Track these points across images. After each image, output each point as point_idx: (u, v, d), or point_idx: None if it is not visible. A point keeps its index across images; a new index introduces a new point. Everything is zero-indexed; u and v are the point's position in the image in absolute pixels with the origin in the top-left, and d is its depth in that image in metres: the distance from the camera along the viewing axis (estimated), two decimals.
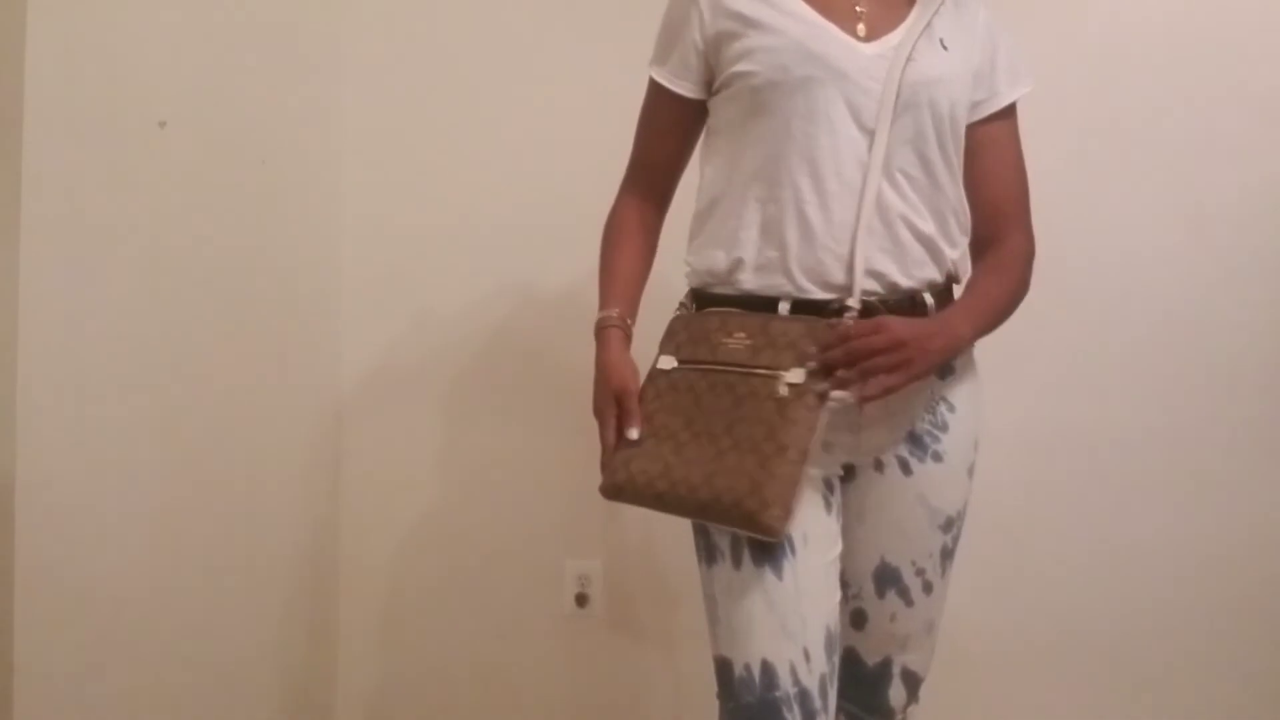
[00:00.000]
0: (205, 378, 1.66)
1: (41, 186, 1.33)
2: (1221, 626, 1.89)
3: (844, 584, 1.31)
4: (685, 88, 1.32)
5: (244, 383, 1.77)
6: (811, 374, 1.16)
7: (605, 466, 1.27)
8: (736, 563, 1.21)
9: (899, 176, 1.25)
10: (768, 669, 1.18)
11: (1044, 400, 1.90)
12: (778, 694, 1.17)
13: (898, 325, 1.19)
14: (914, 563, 1.33)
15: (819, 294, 1.23)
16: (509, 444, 2.05)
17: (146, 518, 1.54)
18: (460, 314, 2.06)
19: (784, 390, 1.17)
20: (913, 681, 1.39)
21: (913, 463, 1.31)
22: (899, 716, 1.40)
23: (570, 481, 2.03)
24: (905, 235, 1.25)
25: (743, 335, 1.22)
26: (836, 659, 1.24)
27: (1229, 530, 1.88)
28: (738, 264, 1.26)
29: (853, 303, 1.21)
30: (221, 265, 1.70)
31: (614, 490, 1.25)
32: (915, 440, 1.31)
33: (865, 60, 1.24)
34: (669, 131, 1.37)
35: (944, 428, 1.32)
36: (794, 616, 1.19)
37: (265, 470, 1.86)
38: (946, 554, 1.35)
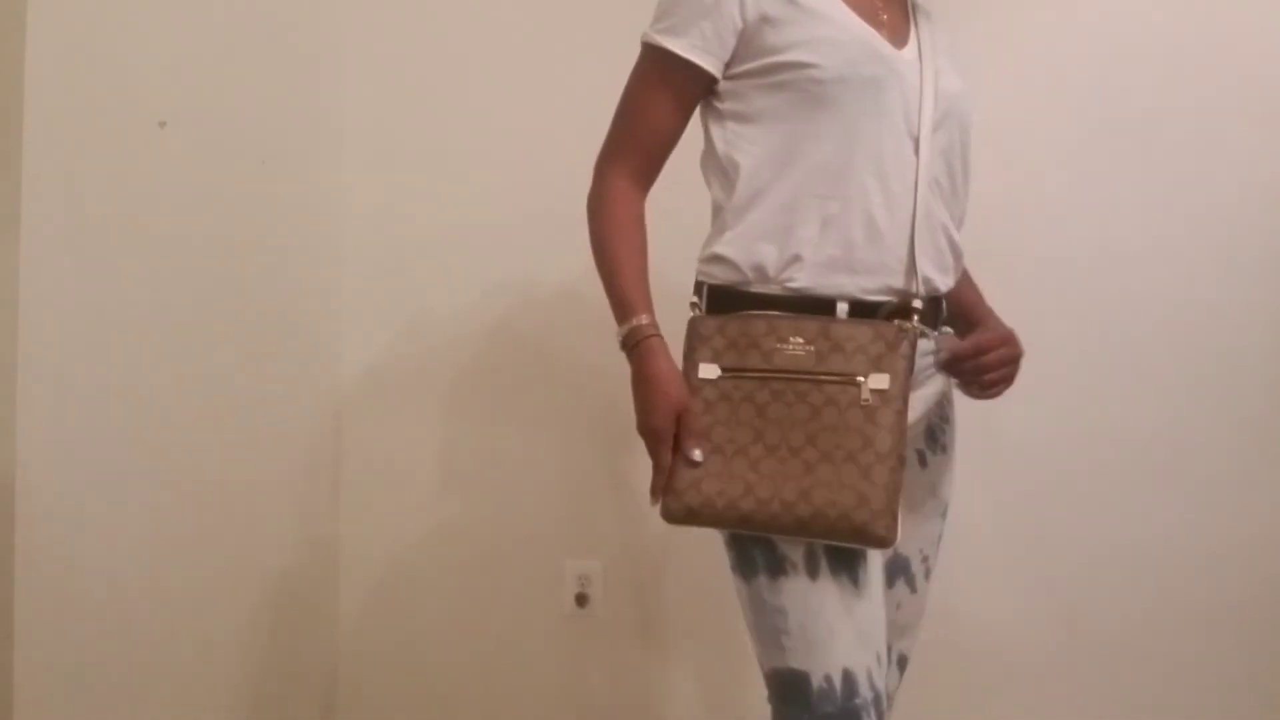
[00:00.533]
0: (205, 377, 1.66)
1: (41, 186, 1.33)
2: (1223, 626, 1.88)
3: None
4: (712, 64, 1.24)
5: (244, 382, 1.77)
6: (895, 378, 1.15)
7: (667, 490, 1.20)
8: (813, 573, 1.18)
9: (934, 184, 1.25)
10: (849, 678, 1.16)
11: (1044, 400, 1.90)
12: (858, 701, 1.16)
13: (1017, 340, 1.30)
14: (921, 550, 1.37)
15: (879, 296, 1.21)
16: (509, 444, 2.05)
17: (146, 518, 1.54)
18: (460, 314, 2.06)
19: (869, 397, 1.14)
20: (904, 665, 1.42)
21: (928, 455, 1.36)
22: (890, 701, 1.41)
23: (570, 481, 2.03)
24: (943, 242, 1.27)
25: (801, 340, 1.17)
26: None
27: (1230, 530, 1.88)
28: (793, 260, 1.21)
29: (918, 304, 1.21)
30: (221, 265, 1.70)
31: (687, 515, 1.19)
32: (930, 435, 1.36)
33: (908, 67, 1.23)
34: (680, 108, 1.28)
35: (947, 420, 1.38)
36: (869, 623, 1.19)
37: (265, 470, 1.85)
38: (941, 538, 1.41)
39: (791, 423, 1.16)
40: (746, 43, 1.23)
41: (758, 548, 1.20)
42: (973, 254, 1.39)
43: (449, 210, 2.06)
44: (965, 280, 1.40)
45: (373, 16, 2.08)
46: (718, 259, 1.25)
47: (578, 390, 2.01)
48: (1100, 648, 1.92)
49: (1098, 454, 1.91)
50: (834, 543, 1.16)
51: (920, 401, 1.29)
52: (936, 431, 1.37)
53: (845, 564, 1.18)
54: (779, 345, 1.18)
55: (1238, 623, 1.88)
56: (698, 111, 1.31)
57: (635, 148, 1.29)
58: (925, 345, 1.27)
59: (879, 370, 1.15)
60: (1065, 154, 1.90)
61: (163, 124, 1.55)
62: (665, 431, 1.19)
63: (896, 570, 1.35)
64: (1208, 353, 1.88)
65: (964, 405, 1.40)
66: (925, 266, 1.23)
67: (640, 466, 1.25)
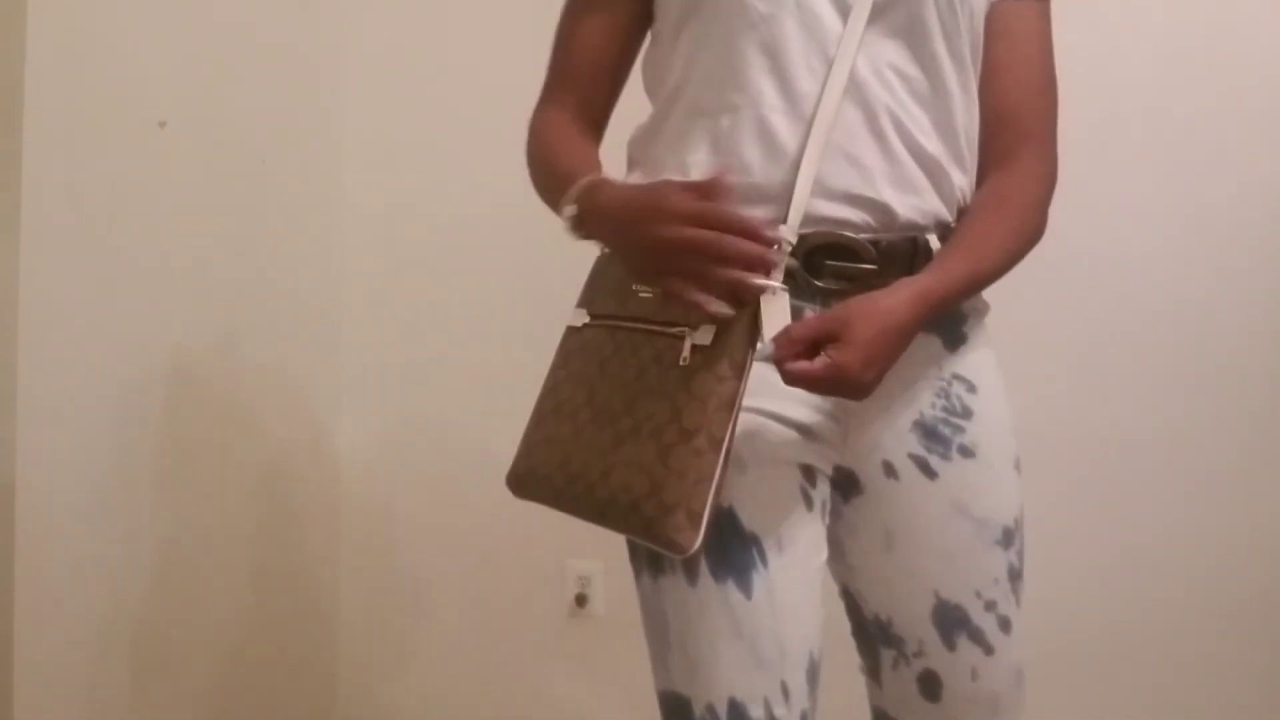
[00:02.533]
0: (205, 377, 1.67)
1: (42, 186, 1.33)
2: (1225, 627, 1.88)
3: (898, 640, 1.02)
4: None
5: (244, 381, 1.77)
6: (726, 333, 0.87)
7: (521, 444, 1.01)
8: (691, 576, 0.94)
9: (890, 75, 0.95)
10: (736, 709, 0.93)
11: (1044, 401, 1.89)
12: None
13: (852, 357, 0.86)
14: (979, 594, 1.00)
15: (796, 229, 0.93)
16: (510, 444, 2.05)
17: (146, 518, 1.54)
18: (460, 312, 2.06)
19: (688, 355, 0.88)
20: None
21: (934, 461, 1.00)
22: None
23: None
24: (900, 150, 0.96)
25: None
26: (819, 693, 0.99)
27: (1231, 531, 1.88)
28: None
29: (787, 233, 0.90)
30: (221, 264, 1.70)
31: (516, 484, 1.01)
32: (930, 433, 1.00)
33: None
34: (611, 28, 1.08)
35: (965, 414, 1.01)
36: (768, 642, 0.94)
37: (265, 469, 1.86)
38: (1015, 576, 1.03)
39: (620, 383, 0.93)
40: None
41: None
42: None
43: (448, 209, 2.06)
44: (980, 212, 1.03)
45: (372, 17, 2.08)
46: None
47: None
48: (1101, 648, 1.92)
49: (1097, 454, 1.91)
50: (636, 540, 0.95)
51: (898, 385, 0.97)
52: (941, 428, 1.00)
53: (730, 568, 0.93)
54: (635, 286, 0.95)
55: (1239, 623, 1.88)
56: None
57: (566, 81, 1.11)
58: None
59: (711, 322, 0.87)
60: (1064, 154, 1.89)
61: (163, 124, 1.55)
62: (672, 251, 0.86)
63: (951, 625, 1.00)
64: (1209, 353, 1.88)
65: None
66: (867, 179, 0.94)
67: None
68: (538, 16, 2.14)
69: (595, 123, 1.10)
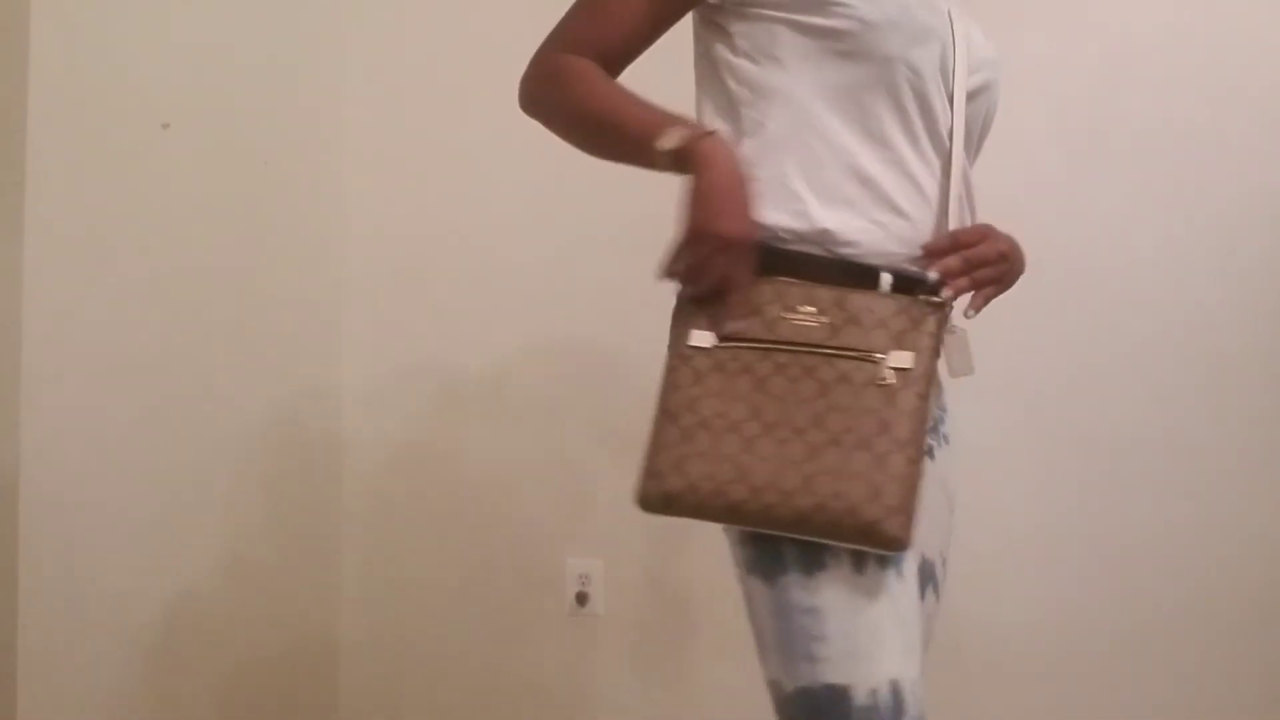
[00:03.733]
0: (206, 378, 1.67)
1: (45, 187, 1.34)
2: (1225, 627, 1.88)
3: None
4: None
5: (245, 382, 1.78)
6: (920, 357, 1.00)
7: (645, 471, 1.02)
8: (858, 565, 1.01)
9: (964, 143, 1.14)
10: (897, 691, 0.99)
11: (1043, 402, 1.90)
12: (907, 719, 0.99)
13: (1002, 235, 1.12)
14: (942, 553, 1.22)
15: (919, 270, 1.08)
16: (509, 442, 2.06)
17: (148, 517, 1.54)
18: (461, 314, 2.07)
19: (890, 376, 1.00)
20: None
21: (934, 448, 1.18)
22: None
23: (571, 480, 2.04)
24: (967, 215, 1.15)
25: (812, 310, 1.03)
26: None
27: (1230, 532, 1.88)
28: (825, 233, 1.06)
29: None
30: (224, 265, 1.71)
31: (664, 501, 1.02)
32: (933, 426, 1.19)
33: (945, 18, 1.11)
34: (658, 16, 1.12)
35: (944, 409, 1.23)
36: (914, 628, 1.03)
37: (266, 469, 1.86)
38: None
39: (796, 400, 1.00)
40: None
41: (786, 539, 1.03)
42: None
43: (451, 211, 2.06)
44: None
45: (374, 18, 2.08)
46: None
47: (578, 388, 2.01)
48: (1100, 649, 1.92)
49: (1097, 456, 1.91)
50: (834, 543, 0.99)
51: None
52: (937, 422, 1.21)
53: (889, 556, 1.02)
54: (784, 314, 1.03)
55: (1239, 623, 1.88)
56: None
57: (588, 48, 1.15)
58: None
59: (901, 347, 1.01)
60: (1065, 156, 1.90)
61: (166, 125, 1.56)
62: (745, 234, 1.01)
63: (925, 579, 1.17)
64: (1208, 354, 1.88)
65: (960, 410, 1.38)
66: None
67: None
68: (541, 19, 2.14)
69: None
